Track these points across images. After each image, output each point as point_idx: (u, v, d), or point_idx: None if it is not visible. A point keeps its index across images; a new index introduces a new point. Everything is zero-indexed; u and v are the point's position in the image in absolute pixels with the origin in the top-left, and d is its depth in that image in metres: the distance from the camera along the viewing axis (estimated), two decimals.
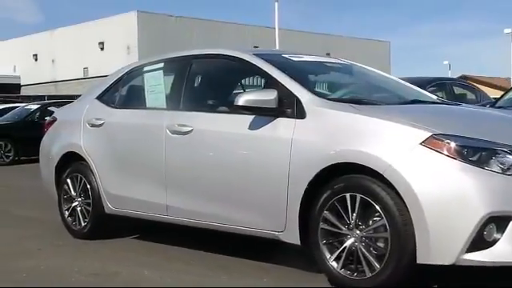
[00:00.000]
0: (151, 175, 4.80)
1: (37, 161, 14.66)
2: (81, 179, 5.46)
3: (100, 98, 5.51)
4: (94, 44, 39.16)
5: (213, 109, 4.69)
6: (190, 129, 4.48)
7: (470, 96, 11.46)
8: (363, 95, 4.57)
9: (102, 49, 39.22)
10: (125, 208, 5.07)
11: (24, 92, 40.48)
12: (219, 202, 4.29)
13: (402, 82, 5.16)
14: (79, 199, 5.51)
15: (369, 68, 5.26)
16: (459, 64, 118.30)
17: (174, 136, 4.59)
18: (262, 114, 4.02)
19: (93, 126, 5.36)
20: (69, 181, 5.59)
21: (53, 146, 5.78)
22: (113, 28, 37.84)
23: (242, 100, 3.97)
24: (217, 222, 4.34)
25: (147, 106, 5.12)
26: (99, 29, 38.78)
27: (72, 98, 24.58)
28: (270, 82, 4.16)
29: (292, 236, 3.85)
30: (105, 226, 5.40)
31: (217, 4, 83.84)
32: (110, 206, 5.19)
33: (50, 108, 16.53)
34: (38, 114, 15.87)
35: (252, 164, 4.06)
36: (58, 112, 6.13)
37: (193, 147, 4.45)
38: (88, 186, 5.37)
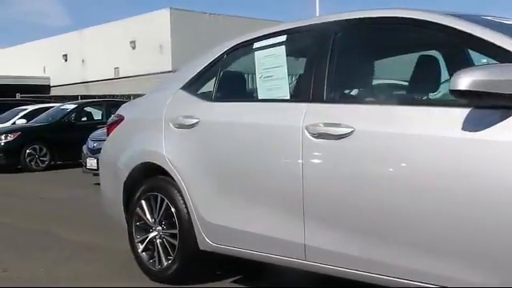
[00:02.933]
0: (278, 198, 3.24)
1: (74, 166, 12.81)
2: (162, 201, 3.93)
3: (188, 87, 3.97)
4: (125, 43, 37.93)
5: (389, 99, 3.12)
6: (348, 130, 2.89)
7: None
8: None
9: (134, 48, 37.97)
10: (231, 244, 3.53)
11: (54, 93, 39.39)
12: (405, 245, 2.71)
13: None
14: (159, 228, 3.98)
15: None
16: None
17: (318, 141, 3.02)
18: (495, 106, 2.43)
19: (180, 126, 3.82)
20: (144, 203, 4.07)
21: (120, 154, 4.26)
22: (144, 26, 36.54)
23: (468, 81, 2.37)
24: (396, 276, 2.75)
25: (260, 97, 3.57)
26: (130, 27, 37.53)
27: (106, 97, 23.26)
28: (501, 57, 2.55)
29: None
30: (198, 267, 3.86)
31: (252, 0, 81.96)
32: (207, 241, 3.64)
33: (87, 108, 15.21)
34: (74, 114, 14.45)
35: (478, 188, 2.46)
36: (124, 109, 4.59)
37: (356, 158, 2.87)
38: (172, 211, 3.84)
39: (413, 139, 2.67)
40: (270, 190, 3.28)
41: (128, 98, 23.94)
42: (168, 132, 3.89)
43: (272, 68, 3.52)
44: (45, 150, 13.54)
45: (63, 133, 13.75)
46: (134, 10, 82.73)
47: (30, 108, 16.60)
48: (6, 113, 16.90)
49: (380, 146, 2.79)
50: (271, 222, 3.25)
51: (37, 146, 13.47)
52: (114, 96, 24.75)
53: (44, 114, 15.09)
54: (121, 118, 4.41)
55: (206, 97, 3.83)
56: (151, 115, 4.12)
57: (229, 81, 3.92)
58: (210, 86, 3.88)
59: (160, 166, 3.89)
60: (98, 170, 10.16)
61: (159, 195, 3.95)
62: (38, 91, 33.36)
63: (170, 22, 35.73)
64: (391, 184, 2.73)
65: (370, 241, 2.83)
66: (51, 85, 42.59)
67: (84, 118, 14.91)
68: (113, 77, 38.67)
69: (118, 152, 4.31)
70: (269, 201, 3.28)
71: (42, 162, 13.54)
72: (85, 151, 10.26)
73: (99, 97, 23.52)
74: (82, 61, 41.48)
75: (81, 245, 5.44)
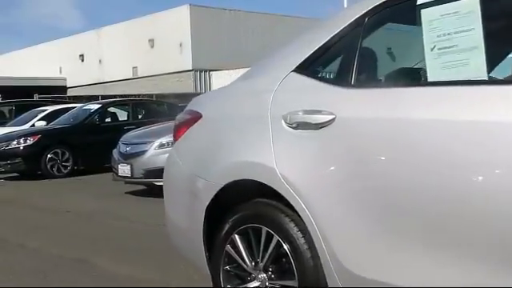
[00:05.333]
0: (494, 240, 1.95)
1: (99, 171, 11.75)
2: (268, 237, 2.65)
3: (305, 69, 2.68)
4: (143, 42, 36.83)
5: None
6: None
7: None
8: None
9: (152, 46, 36.85)
10: None
11: (70, 94, 38.37)
12: None
13: None
14: (263, 276, 2.70)
15: None
16: None
17: None
18: None
19: (300, 126, 2.53)
20: (238, 238, 2.80)
21: (200, 167, 2.99)
22: (163, 24, 35.40)
23: None
24: None
25: (433, 79, 2.28)
26: (149, 25, 36.40)
27: (128, 97, 21.86)
28: None
29: None
30: None
31: None
32: None
33: (111, 109, 13.98)
34: (98, 115, 13.22)
35: None
36: (198, 103, 3.30)
37: None
38: (286, 252, 2.57)
39: None
40: (479, 225, 1.98)
41: (150, 97, 22.78)
42: (279, 135, 2.61)
43: (455, 34, 2.23)
44: (67, 155, 12.30)
45: (87, 135, 12.55)
46: (152, 9, 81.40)
47: (50, 109, 15.43)
48: (24, 114, 15.78)
49: None
50: (480, 277, 1.97)
51: (59, 151, 12.24)
52: (137, 96, 23.48)
53: (65, 115, 13.89)
54: (197, 116, 3.12)
55: (341, 82, 2.53)
56: (248, 111, 2.84)
57: (376, 57, 2.64)
58: (346, 66, 2.57)
59: (267, 186, 2.61)
60: (131, 177, 9.01)
61: (264, 228, 2.67)
62: (54, 92, 32.23)
63: (190, 19, 34.51)
64: None
65: None
66: (67, 86, 41.52)
67: (108, 119, 13.69)
68: (131, 77, 37.55)
69: (195, 164, 3.04)
70: (477, 243, 1.99)
71: (65, 167, 12.30)
72: (115, 156, 9.00)
73: (120, 96, 22.23)
74: (99, 61, 40.43)
75: (129, 281, 4.19)
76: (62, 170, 12.24)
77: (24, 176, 12.29)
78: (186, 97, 28.55)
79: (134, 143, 8.80)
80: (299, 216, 2.51)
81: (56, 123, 13.53)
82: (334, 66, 2.65)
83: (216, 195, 2.86)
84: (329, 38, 2.63)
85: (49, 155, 12.10)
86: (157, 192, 8.60)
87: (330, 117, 2.42)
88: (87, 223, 6.77)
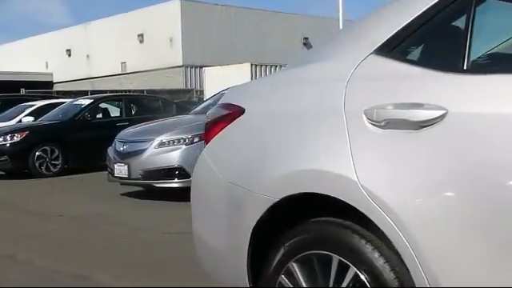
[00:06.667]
0: None
1: (91, 170, 11.10)
2: (341, 268, 2.03)
3: (394, 49, 2.06)
4: (132, 37, 36.13)
5: None
6: None
7: None
8: None
9: (142, 41, 36.15)
10: None
11: (57, 90, 37.49)
12: None
13: None
14: None
15: None
16: None
17: None
18: None
19: (388, 124, 1.92)
20: (297, 267, 2.18)
21: (241, 176, 2.36)
22: (153, 19, 34.69)
23: None
24: None
25: None
26: (138, 20, 35.67)
27: (115, 92, 20.98)
28: None
29: None
30: None
31: None
32: None
33: (103, 104, 13.28)
34: (90, 111, 12.51)
35: None
36: (239, 95, 2.66)
37: None
38: (367, 286, 1.95)
39: None
40: None
41: (141, 93, 22.06)
42: (359, 135, 1.99)
43: None
44: (57, 153, 11.58)
45: (78, 132, 11.85)
46: (142, 3, 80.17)
47: (38, 104, 14.70)
48: (10, 110, 15.03)
49: None
50: None
51: (48, 148, 11.51)
52: (127, 92, 22.75)
53: (54, 110, 13.17)
54: (237, 111, 2.49)
55: (448, 65, 1.91)
56: (311, 105, 2.22)
57: (496, 32, 2.02)
58: (440, 47, 1.96)
59: (342, 202, 1.99)
60: (128, 178, 8.33)
61: (336, 257, 2.05)
62: (40, 88, 31.34)
63: (181, 13, 33.82)
64: None
65: None
66: (54, 81, 40.62)
67: (100, 115, 12.99)
68: (120, 72, 36.76)
69: (237, 172, 2.41)
70: None
71: (54, 166, 11.58)
72: (111, 155, 8.33)
73: (111, 92, 21.46)
74: (87, 56, 39.59)
75: None
76: (51, 169, 11.53)
77: (10, 175, 11.56)
78: (178, 93, 27.93)
79: (132, 141, 8.13)
80: (389, 243, 1.90)
81: (44, 119, 12.81)
82: (434, 44, 2.04)
83: (266, 212, 2.24)
84: (427, 7, 2.01)
85: (37, 153, 11.39)
86: (155, 194, 8.03)
87: (439, 112, 1.80)
88: (83, 230, 6.11)
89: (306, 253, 2.15)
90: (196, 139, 7.65)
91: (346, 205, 1.99)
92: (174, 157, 7.62)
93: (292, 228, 2.22)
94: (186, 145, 7.65)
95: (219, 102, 2.77)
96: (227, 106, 2.61)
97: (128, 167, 7.88)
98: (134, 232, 5.79)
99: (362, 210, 1.93)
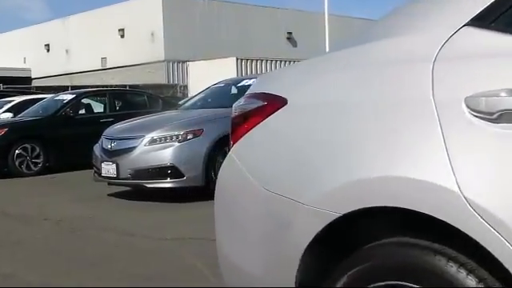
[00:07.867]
0: None
1: (74, 169, 10.51)
2: None
3: (497, 19, 1.58)
4: (112, 31, 35.39)
5: None
6: None
7: None
8: None
9: (123, 36, 35.44)
10: None
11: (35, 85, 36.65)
12: None
13: None
14: None
15: None
16: None
17: None
18: None
19: (502, 118, 1.44)
20: None
21: (285, 183, 1.88)
22: (134, 13, 33.99)
23: None
24: None
25: None
26: (119, 14, 34.96)
27: (98, 87, 20.29)
28: None
29: None
30: None
31: None
32: None
33: (85, 100, 12.67)
34: (72, 106, 11.91)
35: None
36: (276, 83, 2.17)
37: None
38: None
39: None
40: None
41: (124, 87, 21.40)
42: (457, 131, 1.52)
43: None
44: (38, 150, 10.99)
45: (60, 129, 11.27)
46: None
47: (17, 100, 14.06)
48: None
49: None
50: None
51: (28, 146, 10.91)
52: (109, 87, 22.07)
53: (35, 106, 12.57)
54: (277, 103, 2.00)
55: None
56: (385, 92, 1.73)
57: None
58: None
59: (437, 221, 1.51)
60: (117, 178, 7.78)
61: None
62: (18, 83, 30.50)
63: (162, 8, 33.18)
64: None
65: None
66: (32, 77, 39.76)
67: (83, 111, 12.39)
68: (100, 67, 36.01)
69: (279, 178, 1.92)
70: None
71: (35, 164, 10.98)
72: (97, 153, 7.77)
73: (92, 87, 20.79)
74: (66, 51, 38.76)
75: None
76: (32, 168, 10.94)
77: None
78: (162, 88, 27.27)
79: (120, 138, 7.59)
80: (499, 272, 1.42)
81: (24, 115, 12.20)
82: None
83: (322, 231, 1.75)
84: None
85: (17, 151, 10.78)
86: (145, 195, 7.49)
87: None
88: (71, 236, 5.57)
89: (380, 284, 1.67)
90: (189, 136, 7.17)
91: (449, 225, 1.50)
92: (166, 155, 7.10)
93: (359, 251, 1.74)
94: (178, 142, 7.14)
95: (248, 92, 2.27)
96: (262, 95, 2.12)
97: (116, 166, 7.34)
98: (126, 238, 5.27)
99: (469, 233, 1.45)
